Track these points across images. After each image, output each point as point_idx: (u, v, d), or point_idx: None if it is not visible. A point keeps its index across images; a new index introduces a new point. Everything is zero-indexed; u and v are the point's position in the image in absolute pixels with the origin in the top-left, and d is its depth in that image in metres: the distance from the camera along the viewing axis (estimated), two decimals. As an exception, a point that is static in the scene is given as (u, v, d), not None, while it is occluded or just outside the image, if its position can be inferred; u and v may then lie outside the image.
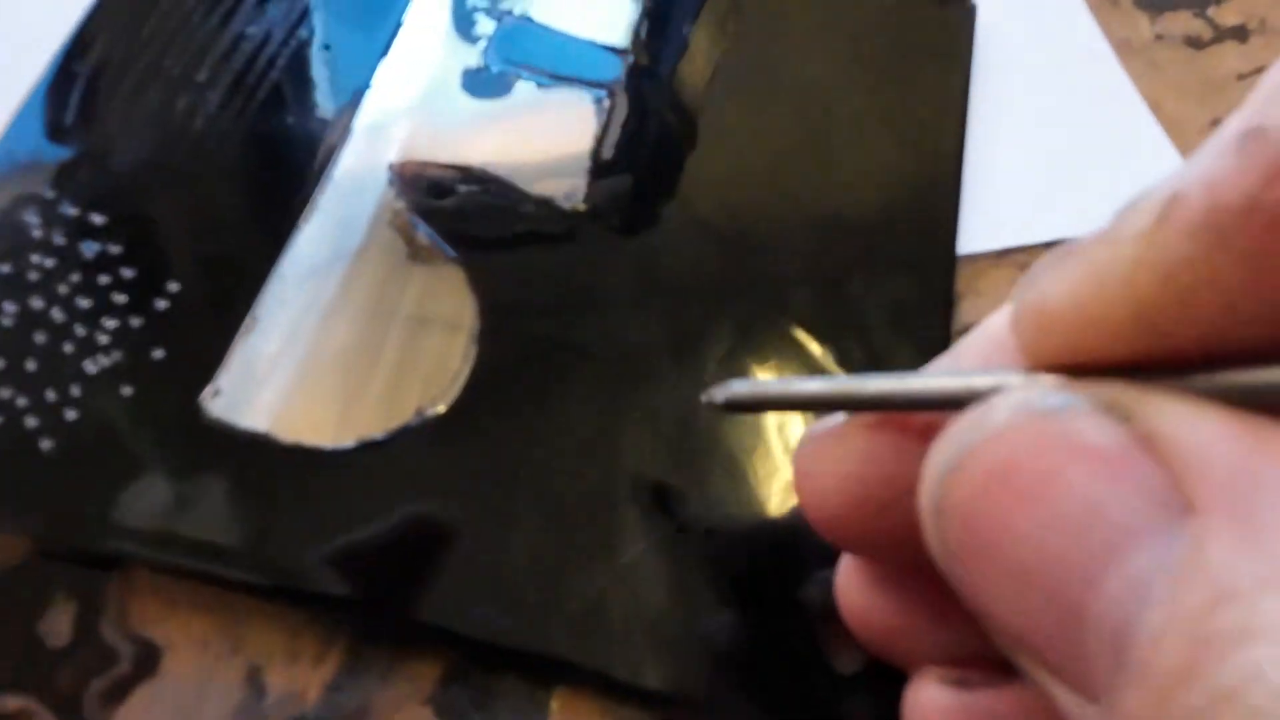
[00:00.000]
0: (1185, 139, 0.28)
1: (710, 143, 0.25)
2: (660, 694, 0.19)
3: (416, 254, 0.23)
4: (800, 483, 0.15)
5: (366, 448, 0.21)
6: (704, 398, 0.16)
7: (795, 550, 0.21)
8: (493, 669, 0.19)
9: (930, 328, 0.23)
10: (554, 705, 0.19)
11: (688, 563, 0.20)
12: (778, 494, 0.21)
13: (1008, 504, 0.10)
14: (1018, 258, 0.25)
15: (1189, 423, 0.10)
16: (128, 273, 0.22)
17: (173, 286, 0.22)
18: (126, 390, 0.21)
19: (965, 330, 0.23)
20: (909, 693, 0.15)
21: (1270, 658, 0.08)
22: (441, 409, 0.21)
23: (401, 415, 0.21)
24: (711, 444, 0.21)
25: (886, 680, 0.18)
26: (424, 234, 0.23)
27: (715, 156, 0.25)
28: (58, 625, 0.19)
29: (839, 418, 0.15)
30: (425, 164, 0.24)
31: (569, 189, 0.24)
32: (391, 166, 0.24)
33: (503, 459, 0.21)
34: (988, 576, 0.11)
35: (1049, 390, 0.11)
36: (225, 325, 0.22)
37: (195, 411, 0.21)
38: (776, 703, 0.19)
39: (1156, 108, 0.28)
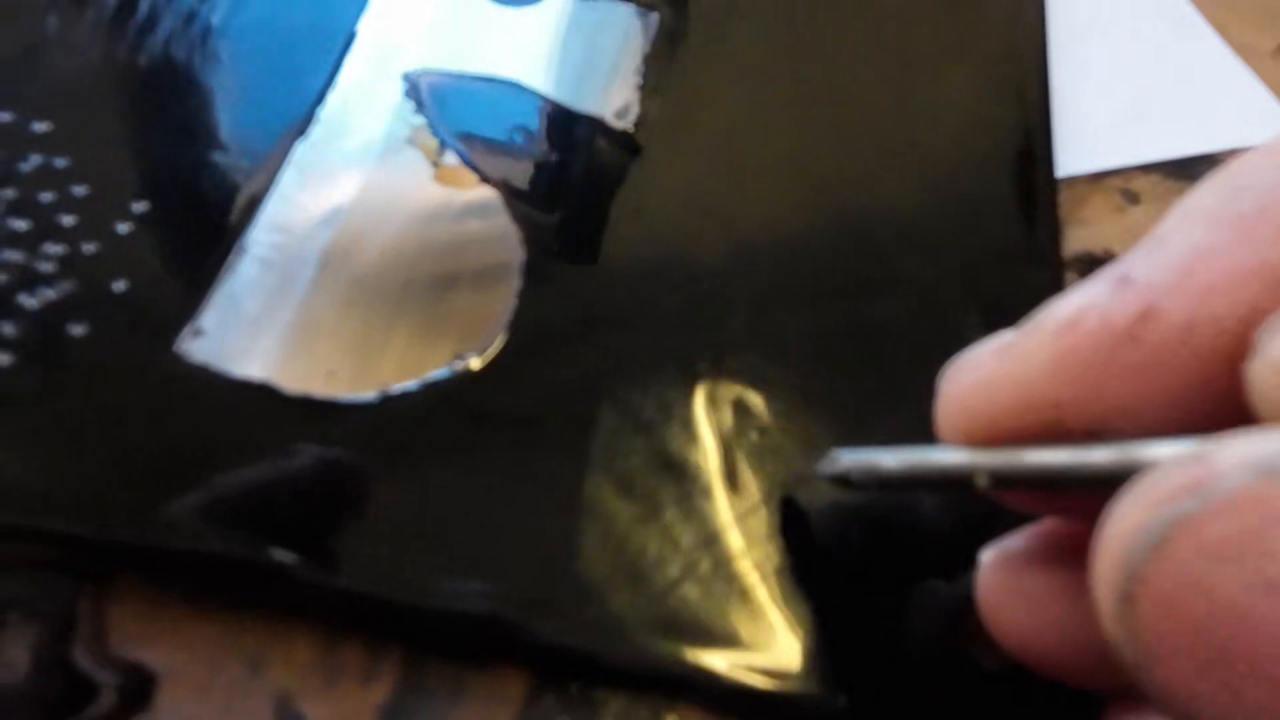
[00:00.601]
0: (1254, 63, 0.26)
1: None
2: (788, 699, 0.15)
3: (443, 177, 0.19)
4: (989, 615, 0.14)
5: (391, 400, 0.17)
6: (817, 470, 0.15)
7: (932, 535, 0.17)
8: (590, 681, 0.15)
9: (1041, 266, 0.20)
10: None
11: (794, 544, 0.17)
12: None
13: (1242, 585, 0.08)
14: (1113, 181, 0.23)
15: None
16: (78, 190, 0.17)
17: (138, 206, 0.17)
18: (78, 329, 0.16)
19: (1077, 260, 0.21)
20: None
21: None
22: (480, 359, 0.17)
23: (434, 363, 0.17)
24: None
25: (1034, 678, 0.15)
26: (453, 155, 0.19)
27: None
28: (10, 655, 0.14)
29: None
30: (447, 75, 0.20)
31: (620, 106, 0.21)
32: (407, 77, 0.20)
33: (553, 416, 0.17)
34: (1219, 688, 0.09)
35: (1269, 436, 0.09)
36: (206, 253, 0.17)
37: (171, 356, 0.16)
38: (915, 703, 0.16)
39: (1223, 32, 0.27)
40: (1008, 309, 0.14)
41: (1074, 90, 0.24)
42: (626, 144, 0.20)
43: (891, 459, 0.14)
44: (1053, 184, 0.22)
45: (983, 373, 0.12)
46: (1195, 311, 0.10)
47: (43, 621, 0.14)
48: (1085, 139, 0.23)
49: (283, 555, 0.15)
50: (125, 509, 0.15)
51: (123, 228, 0.17)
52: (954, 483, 0.13)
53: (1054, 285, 0.20)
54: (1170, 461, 0.09)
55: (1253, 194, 0.11)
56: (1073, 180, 0.23)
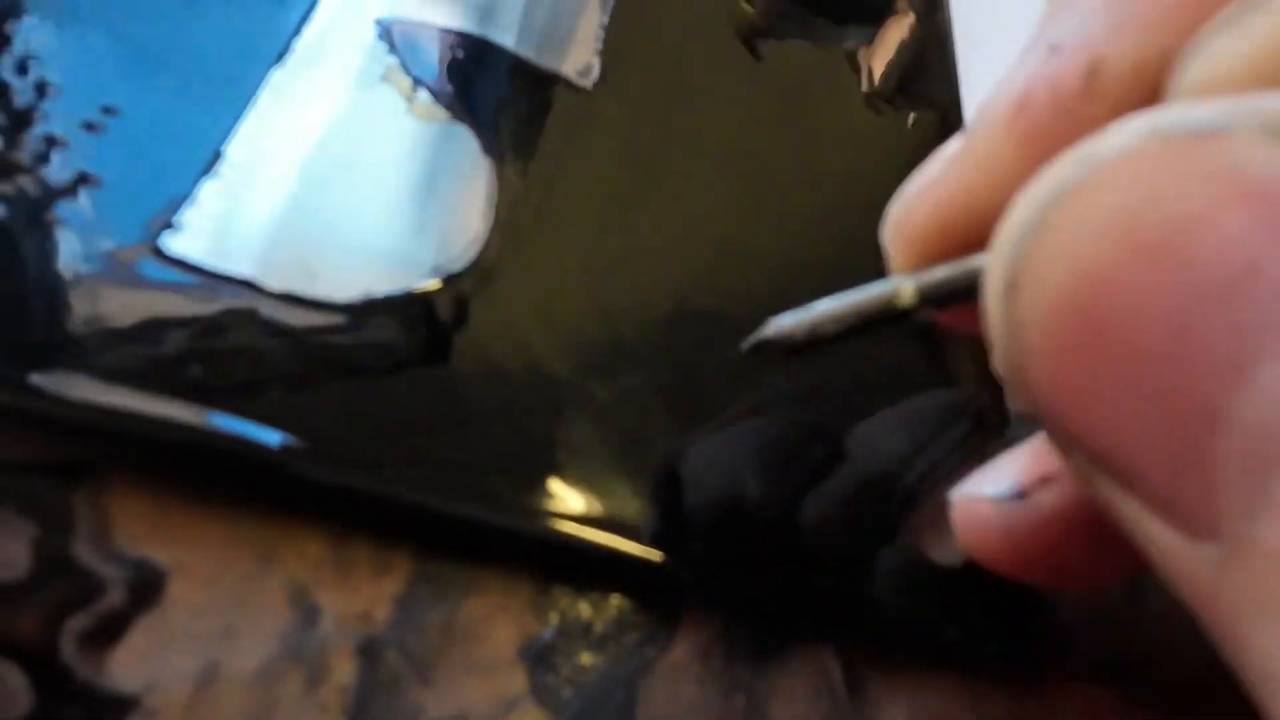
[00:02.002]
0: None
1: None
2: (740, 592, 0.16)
3: (418, 111, 0.20)
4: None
5: (374, 302, 0.17)
6: (754, 342, 0.13)
7: (885, 435, 0.19)
8: (593, 566, 0.16)
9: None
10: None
11: (762, 441, 0.18)
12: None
13: (1125, 263, 0.07)
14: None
15: None
16: (57, 86, 0.17)
17: (116, 106, 0.17)
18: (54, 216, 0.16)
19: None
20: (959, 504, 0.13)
21: None
22: (461, 267, 0.18)
23: (418, 273, 0.18)
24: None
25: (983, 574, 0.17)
26: (425, 96, 0.20)
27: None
28: (10, 551, 0.14)
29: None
30: (417, 24, 0.21)
31: (583, 65, 0.22)
32: (380, 22, 0.20)
33: (535, 322, 0.18)
34: (1080, 371, 0.08)
35: (1201, 107, 0.08)
36: (184, 157, 0.17)
37: (149, 246, 0.16)
38: (866, 598, 0.17)
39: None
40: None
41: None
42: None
43: (826, 303, 0.13)
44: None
45: (938, 189, 0.11)
46: (1140, 49, 0.10)
47: (38, 517, 0.14)
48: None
49: (279, 443, 0.15)
50: (116, 400, 0.15)
51: (102, 123, 0.17)
52: (889, 311, 0.12)
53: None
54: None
55: None
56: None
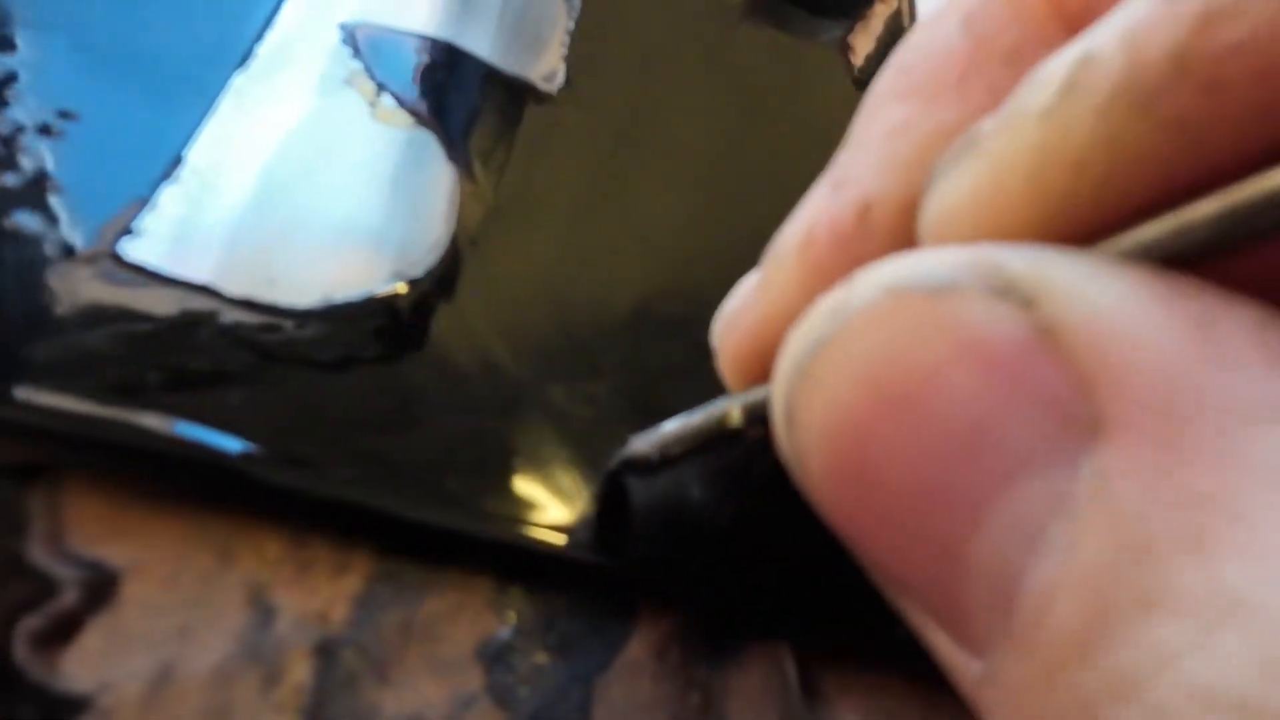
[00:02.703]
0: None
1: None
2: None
3: (382, 116, 0.20)
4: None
5: (335, 308, 0.17)
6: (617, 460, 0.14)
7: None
8: (549, 566, 0.16)
9: None
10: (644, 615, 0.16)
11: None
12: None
13: (873, 412, 0.08)
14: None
15: (1108, 308, 0.07)
16: (17, 86, 0.17)
17: (76, 110, 0.17)
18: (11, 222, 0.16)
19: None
20: None
21: (1181, 639, 0.06)
22: (422, 272, 0.18)
23: (375, 278, 0.18)
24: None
25: None
26: (389, 101, 0.20)
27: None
28: (-40, 549, 0.14)
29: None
30: (383, 29, 0.21)
31: (547, 70, 0.22)
32: (344, 26, 0.21)
33: (496, 327, 0.18)
34: (853, 502, 0.09)
35: (930, 263, 0.08)
36: (143, 161, 0.17)
37: (108, 251, 0.16)
38: (819, 599, 0.17)
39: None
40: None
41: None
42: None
43: (672, 423, 0.14)
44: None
45: (745, 316, 0.12)
46: (904, 188, 0.10)
47: (-7, 518, 0.14)
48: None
49: (240, 450, 0.15)
50: (73, 405, 0.15)
51: (61, 127, 0.17)
52: (724, 432, 0.13)
53: None
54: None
55: (919, 66, 0.11)
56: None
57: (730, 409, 0.13)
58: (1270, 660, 0.06)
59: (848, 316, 0.08)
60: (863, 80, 0.25)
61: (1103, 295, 0.07)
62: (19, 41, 0.18)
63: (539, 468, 0.17)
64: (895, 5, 0.26)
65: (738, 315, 0.12)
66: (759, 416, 0.12)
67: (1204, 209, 0.07)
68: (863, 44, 0.25)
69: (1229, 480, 0.07)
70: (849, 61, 0.25)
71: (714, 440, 0.13)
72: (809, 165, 0.23)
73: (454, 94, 0.21)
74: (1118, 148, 0.07)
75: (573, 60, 0.22)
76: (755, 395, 0.12)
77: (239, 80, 0.19)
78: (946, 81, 0.11)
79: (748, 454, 0.17)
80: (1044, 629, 0.07)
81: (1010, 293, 0.08)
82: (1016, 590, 0.07)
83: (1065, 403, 0.07)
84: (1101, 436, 0.07)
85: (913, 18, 0.26)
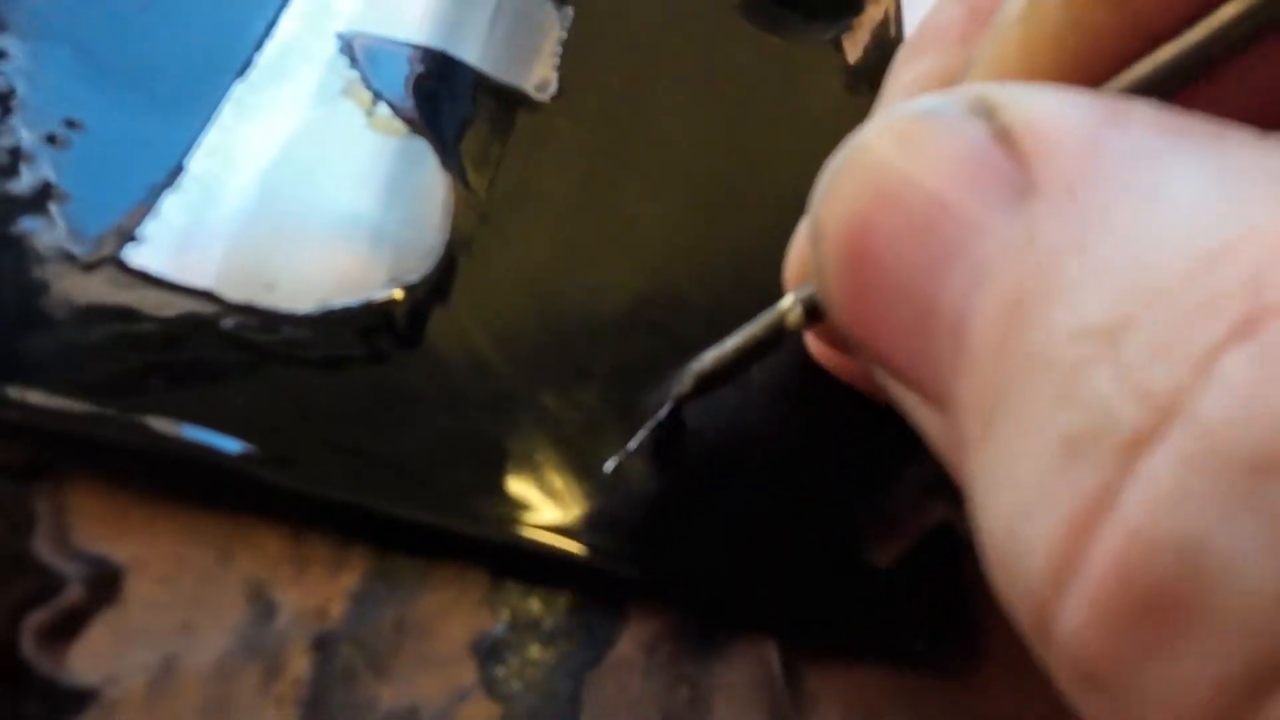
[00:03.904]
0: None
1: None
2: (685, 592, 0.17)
3: (378, 125, 0.20)
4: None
5: (333, 314, 0.18)
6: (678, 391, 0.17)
7: (819, 435, 0.20)
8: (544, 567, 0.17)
9: None
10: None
11: (696, 448, 0.19)
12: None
13: (873, 207, 0.10)
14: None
15: (1051, 109, 0.09)
16: (18, 94, 0.17)
17: (76, 118, 0.18)
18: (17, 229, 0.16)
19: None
20: None
21: (1068, 315, 0.08)
22: (418, 278, 0.19)
23: (375, 284, 0.18)
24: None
25: (920, 573, 0.18)
26: (384, 110, 0.20)
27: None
28: (-31, 547, 0.14)
29: None
30: (378, 39, 0.21)
31: (540, 79, 0.23)
32: (341, 36, 0.21)
33: (490, 333, 0.18)
34: (858, 296, 0.10)
35: (929, 98, 0.10)
36: (145, 169, 0.18)
37: (111, 258, 0.17)
38: (804, 598, 0.18)
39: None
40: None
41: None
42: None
43: (732, 337, 0.16)
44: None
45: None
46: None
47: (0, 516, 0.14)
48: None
49: (239, 450, 0.15)
50: (78, 407, 0.15)
51: (66, 136, 0.18)
52: (781, 329, 0.15)
53: None
54: None
55: (928, 34, 0.15)
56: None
57: (785, 305, 0.15)
58: (1124, 292, 0.08)
59: (862, 141, 0.10)
60: (853, 84, 0.25)
61: (1047, 104, 0.09)
62: (22, 52, 0.18)
63: (531, 469, 0.17)
64: (884, 13, 0.27)
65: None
66: (812, 304, 0.14)
67: (1160, 55, 0.10)
68: (852, 49, 0.26)
69: (1111, 201, 0.08)
70: (845, 64, 0.26)
71: (773, 339, 0.15)
72: (801, 170, 0.24)
73: (447, 103, 0.21)
74: (1081, 27, 0.10)
75: (565, 70, 0.23)
76: (806, 288, 0.14)
77: (239, 89, 0.19)
78: (950, 39, 0.14)
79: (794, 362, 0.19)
80: (980, 343, 0.09)
81: (983, 110, 0.10)
82: (966, 325, 0.09)
83: (1010, 178, 0.09)
84: (1033, 195, 0.09)
85: (899, 27, 0.27)
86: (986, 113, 0.10)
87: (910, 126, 0.10)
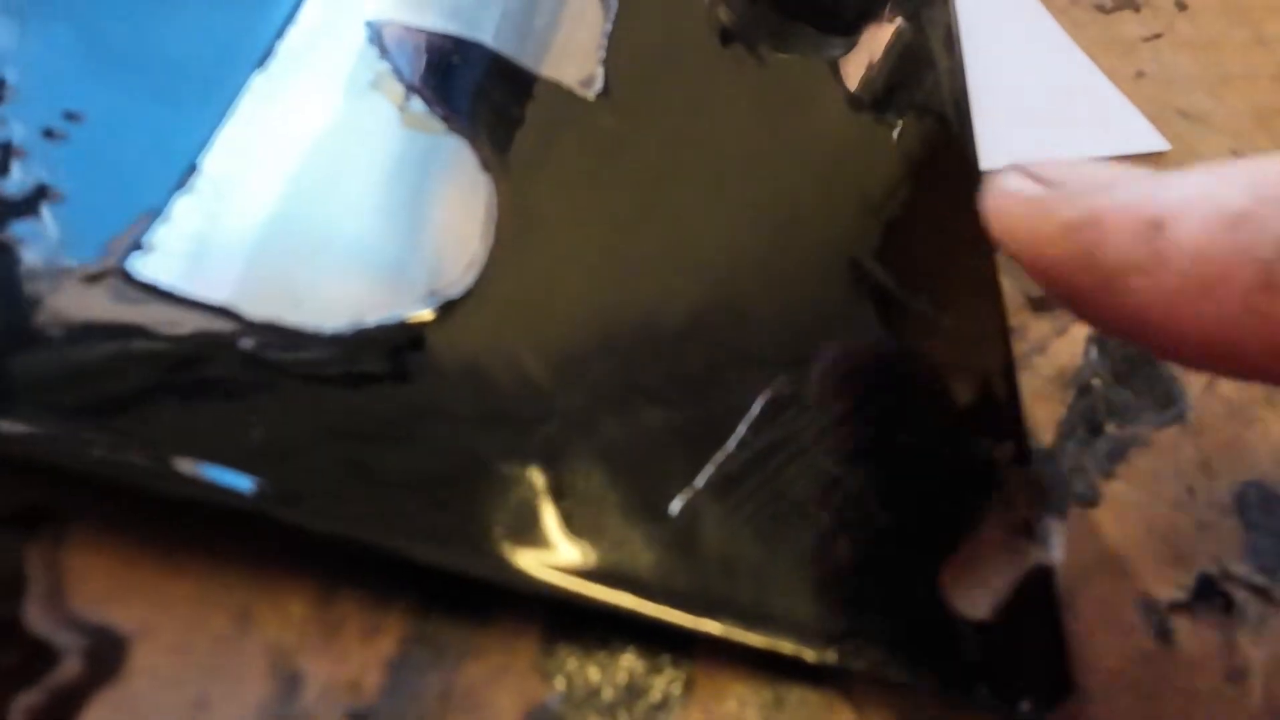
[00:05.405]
0: (1122, 85, 0.29)
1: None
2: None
3: (410, 122, 0.18)
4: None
5: (366, 331, 0.16)
6: None
7: (912, 480, 0.18)
8: (600, 623, 0.15)
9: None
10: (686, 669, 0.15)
11: (776, 491, 0.17)
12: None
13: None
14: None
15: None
16: (21, 91, 0.15)
17: (85, 114, 0.15)
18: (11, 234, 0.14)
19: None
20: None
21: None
22: (459, 291, 0.17)
23: (412, 298, 0.16)
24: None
25: (1018, 627, 0.16)
26: (418, 106, 0.18)
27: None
28: (-51, 614, 0.12)
29: None
30: (411, 28, 0.19)
31: (585, 74, 0.21)
32: (371, 25, 0.19)
33: (540, 355, 0.16)
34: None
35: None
36: (155, 170, 0.16)
37: (115, 268, 0.15)
38: (894, 649, 0.16)
39: (1093, 59, 0.30)
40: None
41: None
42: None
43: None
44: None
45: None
46: None
47: (-14, 577, 0.12)
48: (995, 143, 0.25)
49: (259, 489, 0.13)
50: (73, 439, 0.13)
51: (64, 129, 0.16)
52: None
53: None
54: None
55: None
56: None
57: None
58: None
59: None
60: (858, 99, 0.23)
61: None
62: (14, 32, 0.16)
63: (587, 507, 0.15)
64: (895, 26, 0.25)
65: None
66: None
67: None
68: (858, 65, 0.24)
69: None
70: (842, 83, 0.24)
71: None
72: (861, 176, 0.22)
73: (487, 99, 0.19)
74: None
75: (611, 64, 0.21)
76: None
77: (258, 81, 0.17)
78: None
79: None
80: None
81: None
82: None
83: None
84: None
85: (951, 37, 0.25)
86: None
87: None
